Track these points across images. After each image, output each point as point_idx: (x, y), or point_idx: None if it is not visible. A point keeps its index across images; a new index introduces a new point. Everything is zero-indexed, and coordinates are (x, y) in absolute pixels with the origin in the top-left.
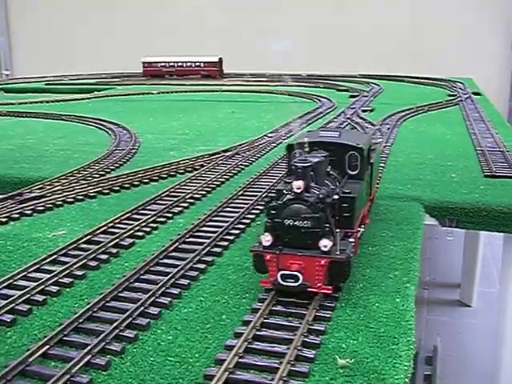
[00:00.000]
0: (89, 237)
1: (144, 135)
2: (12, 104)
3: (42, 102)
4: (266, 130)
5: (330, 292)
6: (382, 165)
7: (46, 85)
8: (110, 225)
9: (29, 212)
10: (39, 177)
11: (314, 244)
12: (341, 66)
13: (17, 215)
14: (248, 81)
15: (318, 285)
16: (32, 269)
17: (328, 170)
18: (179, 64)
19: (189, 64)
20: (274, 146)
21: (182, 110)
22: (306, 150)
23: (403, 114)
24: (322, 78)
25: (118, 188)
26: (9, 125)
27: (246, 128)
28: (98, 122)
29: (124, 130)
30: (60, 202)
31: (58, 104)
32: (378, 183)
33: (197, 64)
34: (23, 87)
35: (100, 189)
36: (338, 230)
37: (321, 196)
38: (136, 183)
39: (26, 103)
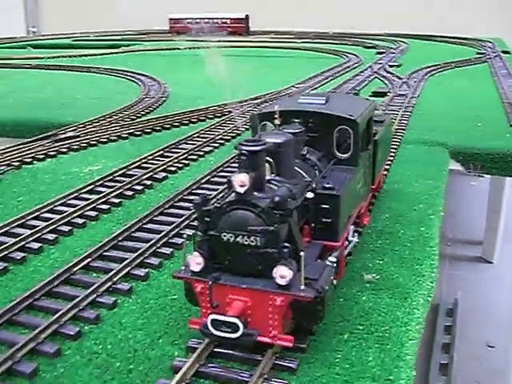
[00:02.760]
0: (123, 171)
1: (172, 86)
2: (41, 58)
3: (70, 56)
4: (293, 81)
5: (290, 345)
6: (408, 114)
7: (73, 41)
8: (144, 161)
9: (64, 150)
10: (72, 121)
11: (267, 271)
12: (368, 25)
13: (53, 153)
14: (274, 38)
15: (273, 333)
16: (71, 197)
17: (304, 152)
18: (205, 21)
19: (215, 21)
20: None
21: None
22: (277, 122)
23: (430, 69)
24: (348, 36)
25: (149, 130)
26: (39, 77)
27: (274, 80)
28: (126, 73)
29: (153, 81)
30: (94, 142)
31: (87, 58)
32: (387, 167)
33: (223, 21)
34: (51, 43)
35: (132, 130)
36: (305, 247)
37: (277, 198)
38: (167, 126)
39: (55, 57)
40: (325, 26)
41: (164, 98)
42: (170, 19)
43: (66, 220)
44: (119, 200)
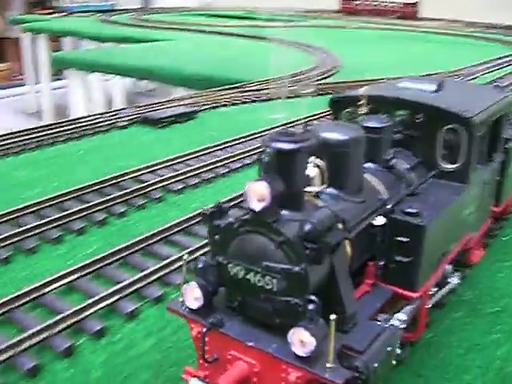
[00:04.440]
0: (305, 120)
1: (344, 58)
2: (219, 26)
3: (242, 26)
4: (462, 65)
5: None
6: None
7: (245, 13)
8: (323, 115)
9: (248, 100)
10: (250, 79)
11: (288, 327)
12: None
13: (238, 101)
14: (443, 25)
15: None
16: (262, 134)
17: (387, 157)
18: (376, 3)
19: (385, 4)
20: (472, 79)
21: (378, 43)
22: (363, 110)
23: None
24: None
25: (324, 93)
26: (217, 42)
27: (442, 62)
28: (299, 44)
29: (325, 53)
30: (275, 97)
31: (258, 29)
32: None
33: (393, 4)
34: (225, 14)
35: (312, 90)
36: (365, 292)
37: (308, 226)
38: (340, 90)
39: (231, 26)
40: (494, 17)
41: (337, 68)
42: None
43: (251, 153)
44: None
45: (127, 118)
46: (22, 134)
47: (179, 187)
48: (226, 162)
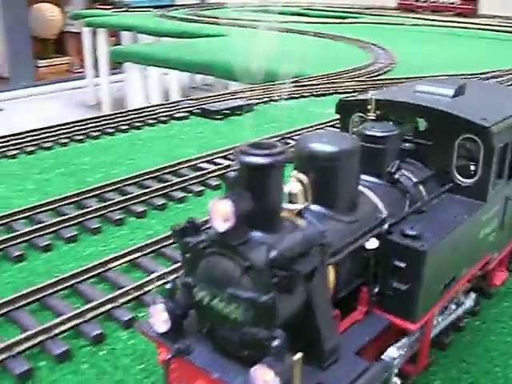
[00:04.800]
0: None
1: (400, 55)
2: (274, 21)
3: (300, 22)
4: None
5: None
6: None
7: (302, 10)
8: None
9: (306, 94)
10: (308, 74)
11: (254, 360)
12: None
13: (296, 95)
14: (501, 22)
15: None
16: (317, 127)
17: (391, 170)
18: (434, 0)
19: (443, 0)
20: None
21: (435, 40)
22: (371, 116)
23: None
24: None
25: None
26: (274, 38)
27: (501, 60)
28: (355, 40)
29: (381, 49)
30: (332, 91)
31: (315, 25)
32: None
33: (451, 1)
34: (282, 10)
35: (367, 86)
36: (355, 322)
37: (274, 253)
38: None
39: (287, 22)
40: None
41: (393, 64)
42: None
43: None
44: None
45: (186, 110)
46: (85, 122)
47: None
48: None
